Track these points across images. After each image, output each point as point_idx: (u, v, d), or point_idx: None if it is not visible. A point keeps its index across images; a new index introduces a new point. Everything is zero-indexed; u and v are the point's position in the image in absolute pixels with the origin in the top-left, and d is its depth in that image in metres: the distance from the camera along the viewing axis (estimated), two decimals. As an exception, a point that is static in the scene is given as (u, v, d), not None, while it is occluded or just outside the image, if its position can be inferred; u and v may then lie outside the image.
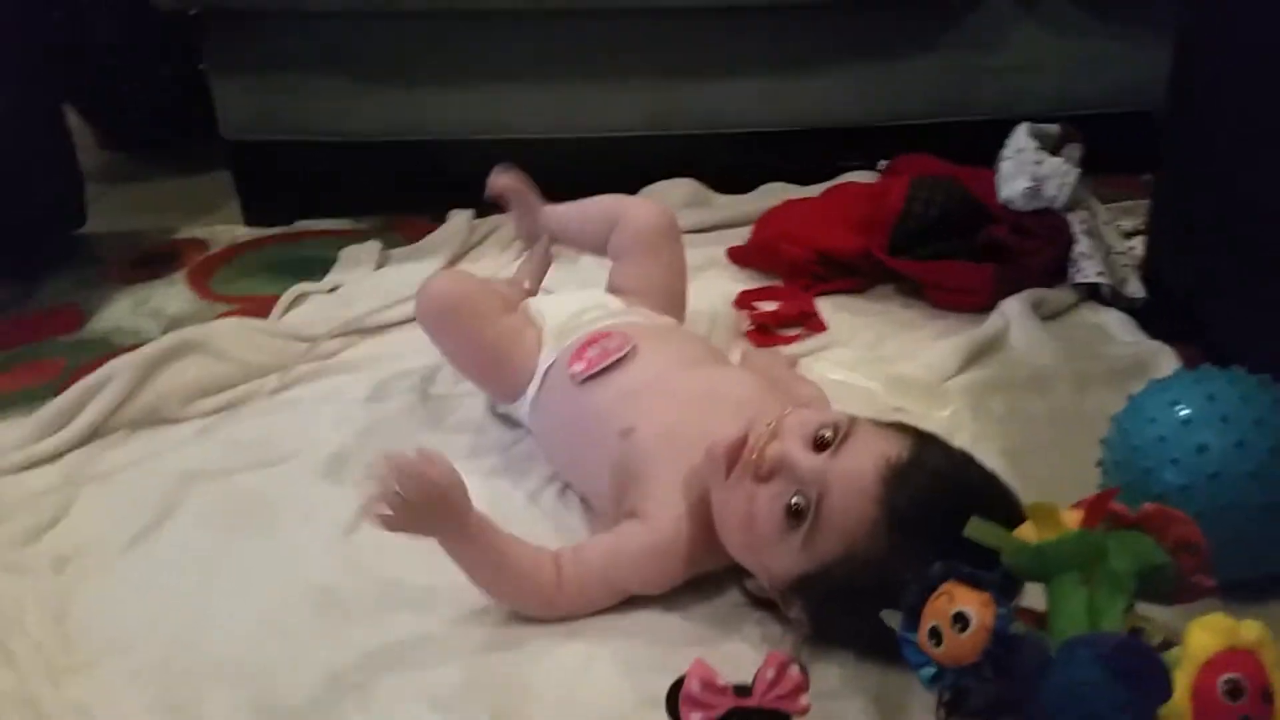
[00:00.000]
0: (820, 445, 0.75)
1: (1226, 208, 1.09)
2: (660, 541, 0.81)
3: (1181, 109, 1.15)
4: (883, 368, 1.12)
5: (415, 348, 1.22)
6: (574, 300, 1.07)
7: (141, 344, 1.18)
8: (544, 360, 1.00)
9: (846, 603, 0.73)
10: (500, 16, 1.52)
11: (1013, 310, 1.18)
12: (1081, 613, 0.60)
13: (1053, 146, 1.35)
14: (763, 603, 0.81)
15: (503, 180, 1.20)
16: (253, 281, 1.47)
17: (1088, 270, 1.19)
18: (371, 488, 0.74)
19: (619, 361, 0.93)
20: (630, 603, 0.83)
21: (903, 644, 0.64)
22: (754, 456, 0.75)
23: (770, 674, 0.55)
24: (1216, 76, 1.09)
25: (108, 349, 1.27)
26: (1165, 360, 1.07)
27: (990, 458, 0.80)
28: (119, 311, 1.39)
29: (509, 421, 1.08)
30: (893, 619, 0.66)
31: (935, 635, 0.61)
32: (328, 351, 1.24)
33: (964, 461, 0.75)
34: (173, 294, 1.43)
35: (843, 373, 1.12)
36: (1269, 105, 1.00)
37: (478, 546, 0.80)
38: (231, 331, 1.20)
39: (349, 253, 1.50)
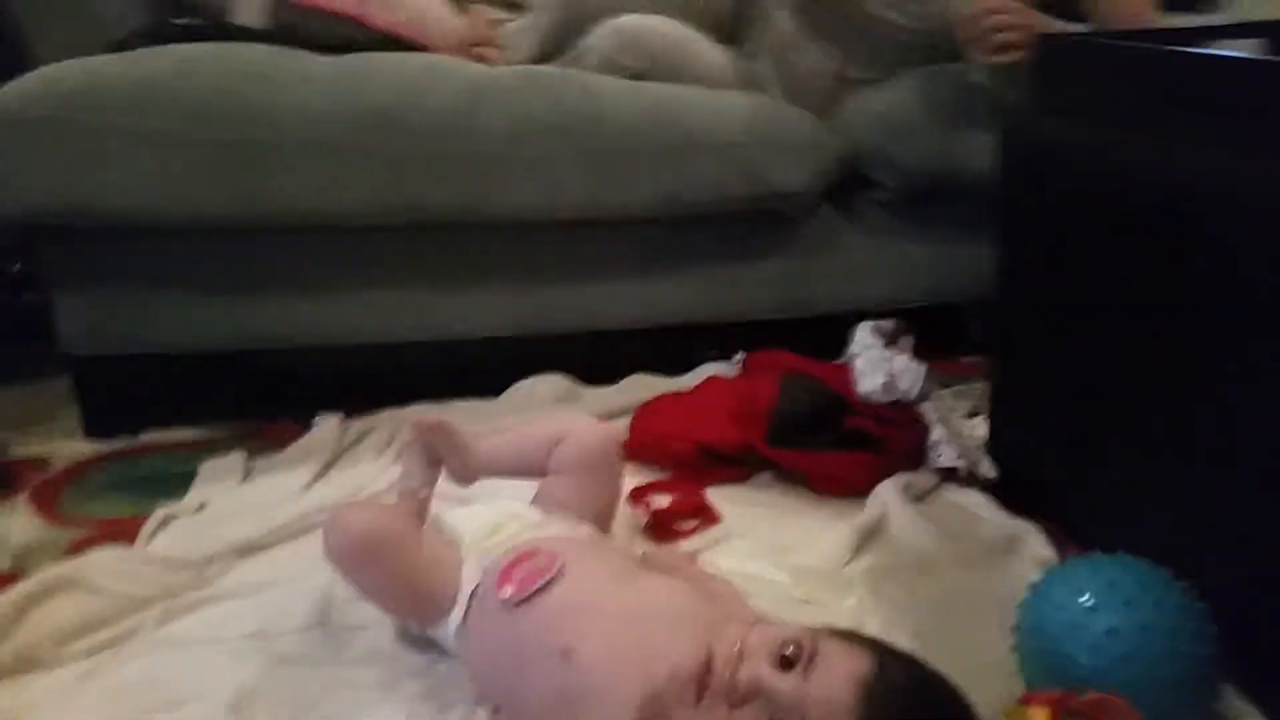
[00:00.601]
0: (786, 663, 0.78)
1: (1061, 391, 1.24)
2: None
3: (1005, 300, 1.30)
4: (784, 558, 1.17)
5: (304, 566, 1.17)
6: (489, 513, 1.07)
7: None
8: (467, 583, 0.98)
9: None
10: (357, 228, 1.52)
11: (888, 496, 1.27)
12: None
13: (889, 339, 1.50)
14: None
15: (428, 423, 1.13)
16: (104, 503, 1.36)
17: (946, 455, 1.31)
18: None
19: (549, 581, 0.93)
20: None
21: None
22: (727, 681, 0.77)
23: None
24: (1031, 271, 1.24)
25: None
26: (1032, 538, 1.18)
27: (904, 644, 0.87)
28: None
29: (422, 642, 1.05)
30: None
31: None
32: (207, 579, 1.16)
33: (919, 668, 0.80)
34: (16, 520, 1.31)
35: (748, 565, 1.16)
36: (1074, 294, 1.15)
37: None
38: (106, 563, 1.11)
39: (210, 467, 1.43)
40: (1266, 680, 0.87)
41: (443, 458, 1.12)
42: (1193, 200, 0.97)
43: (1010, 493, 1.29)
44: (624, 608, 0.91)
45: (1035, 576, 1.09)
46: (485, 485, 1.18)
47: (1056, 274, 1.19)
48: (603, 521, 1.13)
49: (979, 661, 0.92)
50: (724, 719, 0.77)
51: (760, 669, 0.78)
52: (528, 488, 1.15)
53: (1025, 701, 0.73)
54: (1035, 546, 1.16)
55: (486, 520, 1.05)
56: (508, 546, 1.00)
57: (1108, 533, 0.94)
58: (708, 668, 0.79)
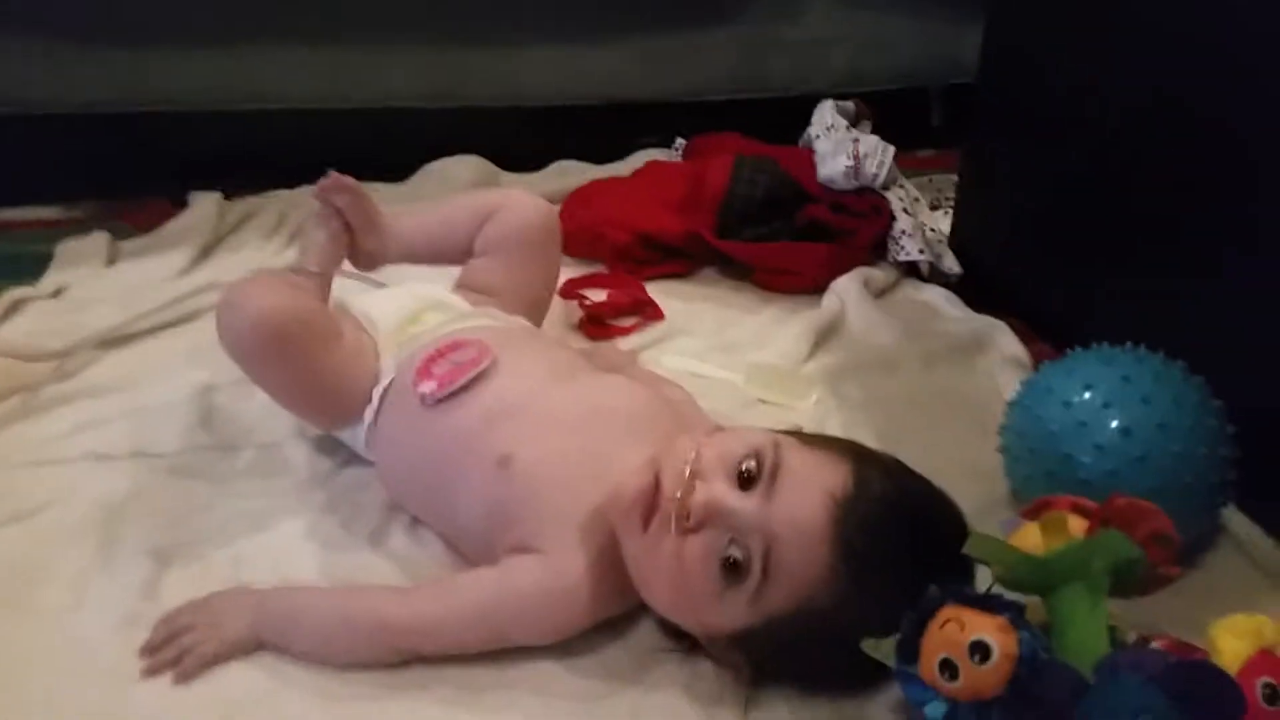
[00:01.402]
0: (746, 480, 0.65)
1: (1031, 182, 1.13)
2: (561, 586, 0.69)
3: (991, 84, 1.17)
4: (734, 357, 1.06)
5: (177, 361, 1.02)
6: (406, 299, 0.90)
7: None
8: (382, 377, 0.83)
9: (798, 650, 0.66)
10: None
11: (847, 291, 1.15)
12: (1098, 627, 0.56)
13: (850, 121, 1.35)
14: (682, 636, 0.71)
15: (338, 184, 0.94)
16: (-57, 286, 1.16)
17: (909, 248, 1.19)
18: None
19: (478, 377, 0.79)
20: (522, 652, 0.71)
21: (902, 680, 0.57)
22: (678, 505, 0.65)
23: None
24: (1025, 52, 1.11)
25: None
26: (1002, 335, 1.08)
27: (866, 444, 0.74)
28: None
29: (324, 446, 0.91)
30: (877, 649, 0.60)
31: (948, 668, 0.55)
32: (65, 373, 0.99)
33: (901, 474, 0.68)
34: None
35: (695, 364, 1.04)
36: (1072, 79, 1.03)
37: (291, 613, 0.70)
38: (-61, 353, 0.93)
39: (69, 248, 1.24)
40: (1265, 497, 0.80)
41: (352, 231, 0.95)
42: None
43: (974, 290, 1.19)
44: (570, 409, 0.78)
45: (1007, 375, 1.02)
46: (391, 274, 1.01)
47: (1050, 57, 1.06)
48: (536, 314, 0.98)
49: (951, 464, 0.81)
50: (676, 548, 0.65)
51: (715, 488, 0.65)
52: (443, 275, 0.99)
53: (1040, 509, 0.63)
54: (1005, 344, 1.07)
55: (404, 307, 0.89)
56: (431, 339, 0.85)
57: (1080, 331, 0.85)
58: (655, 488, 0.66)
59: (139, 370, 1.00)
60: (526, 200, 0.98)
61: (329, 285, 0.94)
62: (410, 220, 0.99)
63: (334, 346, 0.83)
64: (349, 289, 0.98)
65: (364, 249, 0.97)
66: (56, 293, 1.15)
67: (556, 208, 1.06)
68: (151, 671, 0.69)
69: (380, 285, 0.99)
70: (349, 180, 0.95)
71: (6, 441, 0.90)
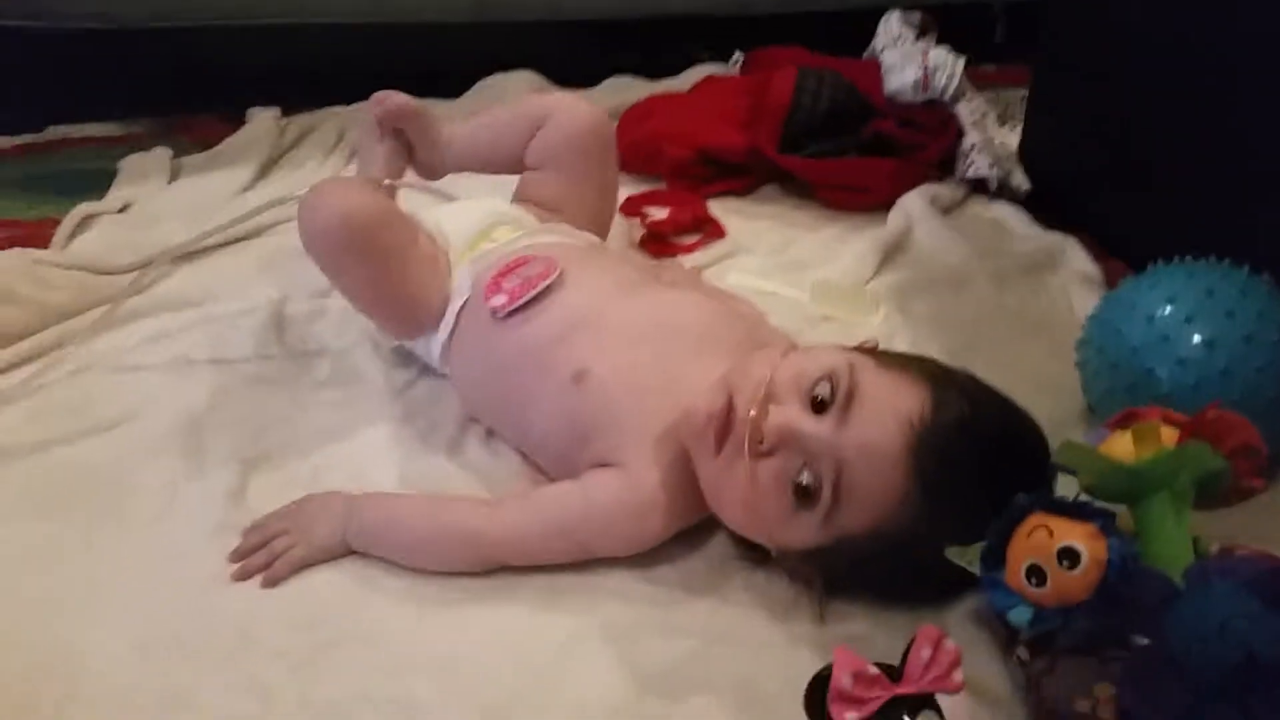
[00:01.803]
0: (820, 404, 0.65)
1: (1107, 96, 1.09)
2: (639, 500, 0.70)
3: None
4: (799, 275, 1.05)
5: (250, 276, 1.03)
6: (477, 212, 0.90)
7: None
8: (458, 291, 0.84)
9: (870, 568, 0.66)
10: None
11: (914, 208, 1.13)
12: (1183, 537, 0.56)
13: (918, 33, 1.32)
14: (756, 546, 0.72)
15: (393, 103, 0.95)
16: (10, 203, 1.18)
17: (979, 164, 1.17)
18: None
19: (546, 290, 0.79)
20: (604, 561, 0.72)
21: (988, 586, 0.58)
22: (750, 428, 0.65)
23: (926, 654, 0.47)
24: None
25: None
26: (1073, 252, 1.07)
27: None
28: None
29: (399, 360, 0.92)
30: (962, 556, 0.60)
31: (1036, 574, 0.55)
32: (140, 286, 1.01)
33: (979, 393, 0.67)
34: (-96, 223, 1.12)
35: (760, 281, 1.03)
36: None
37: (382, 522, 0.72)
38: (14, 267, 0.94)
39: (132, 163, 1.25)
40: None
41: (410, 144, 0.94)
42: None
43: (1043, 207, 1.17)
44: (639, 323, 0.78)
45: (1079, 292, 1.00)
46: (456, 185, 1.01)
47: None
48: (599, 229, 0.97)
49: (1024, 381, 0.80)
50: (750, 470, 0.65)
51: (789, 412, 0.65)
52: (507, 184, 0.99)
53: (1127, 419, 0.63)
54: (1077, 261, 1.05)
55: (475, 221, 0.89)
56: (503, 254, 0.85)
57: (1151, 249, 0.83)
58: (728, 410, 0.66)
59: (212, 284, 1.01)
60: (577, 105, 0.96)
61: (395, 195, 0.95)
62: (463, 129, 0.99)
63: (411, 250, 0.84)
64: (420, 203, 0.98)
65: (423, 161, 0.97)
66: (124, 208, 1.16)
67: (613, 120, 1.04)
68: (242, 576, 0.70)
69: (450, 198, 0.98)
70: (402, 97, 0.94)
71: (87, 354, 0.92)
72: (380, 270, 0.82)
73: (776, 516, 0.66)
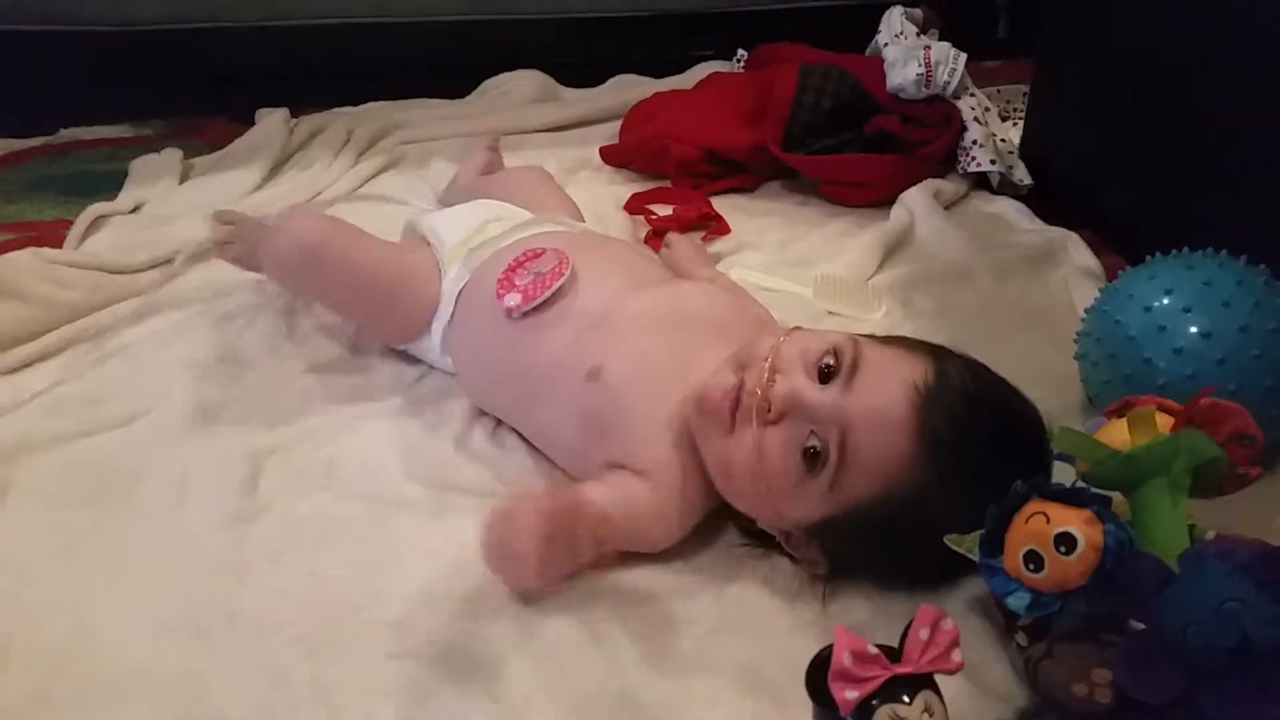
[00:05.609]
0: (826, 374, 0.66)
1: (1108, 92, 1.10)
2: (666, 500, 0.71)
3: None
4: (804, 270, 1.06)
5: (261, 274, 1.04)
6: (469, 213, 0.92)
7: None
8: (452, 284, 0.85)
9: (876, 541, 0.67)
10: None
11: (916, 203, 1.14)
12: (1179, 523, 0.57)
13: (920, 29, 1.33)
14: (762, 537, 0.73)
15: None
16: (23, 205, 1.20)
17: (981, 159, 1.18)
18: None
19: (561, 288, 0.80)
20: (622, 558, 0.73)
21: (986, 573, 0.59)
22: (759, 398, 0.66)
23: (924, 634, 0.48)
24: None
25: None
26: (1074, 246, 1.08)
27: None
28: None
29: (405, 355, 0.93)
30: (960, 544, 0.61)
31: (1033, 560, 0.56)
32: (151, 284, 1.02)
33: (981, 370, 0.69)
34: (-81, 225, 1.14)
35: (764, 278, 1.04)
36: None
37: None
38: (28, 266, 0.96)
39: (143, 165, 1.26)
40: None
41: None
42: None
43: (1044, 202, 1.18)
44: (652, 316, 0.79)
45: (1080, 286, 1.01)
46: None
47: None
48: (566, 204, 1.02)
49: (1025, 373, 0.81)
50: (757, 440, 0.66)
51: (795, 380, 0.66)
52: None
53: (1125, 407, 0.64)
54: (1078, 255, 1.06)
55: (470, 222, 0.91)
56: (497, 247, 0.86)
57: (1152, 244, 0.84)
58: (739, 385, 0.68)
59: (223, 284, 1.02)
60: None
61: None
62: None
63: (376, 250, 0.86)
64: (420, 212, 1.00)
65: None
66: (135, 208, 1.17)
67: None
68: None
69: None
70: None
71: (101, 350, 0.94)
72: (346, 271, 0.86)
73: (784, 486, 0.66)
